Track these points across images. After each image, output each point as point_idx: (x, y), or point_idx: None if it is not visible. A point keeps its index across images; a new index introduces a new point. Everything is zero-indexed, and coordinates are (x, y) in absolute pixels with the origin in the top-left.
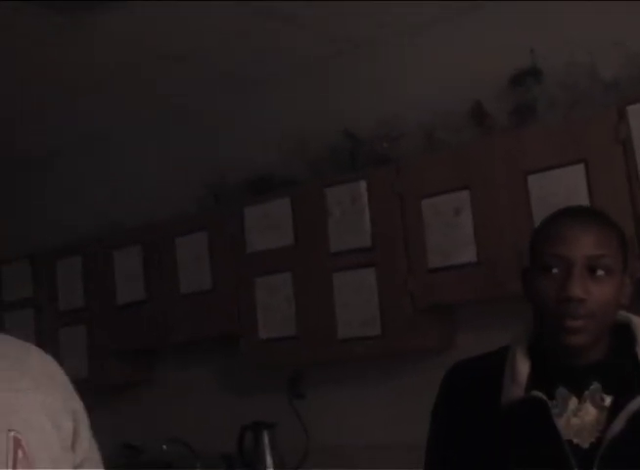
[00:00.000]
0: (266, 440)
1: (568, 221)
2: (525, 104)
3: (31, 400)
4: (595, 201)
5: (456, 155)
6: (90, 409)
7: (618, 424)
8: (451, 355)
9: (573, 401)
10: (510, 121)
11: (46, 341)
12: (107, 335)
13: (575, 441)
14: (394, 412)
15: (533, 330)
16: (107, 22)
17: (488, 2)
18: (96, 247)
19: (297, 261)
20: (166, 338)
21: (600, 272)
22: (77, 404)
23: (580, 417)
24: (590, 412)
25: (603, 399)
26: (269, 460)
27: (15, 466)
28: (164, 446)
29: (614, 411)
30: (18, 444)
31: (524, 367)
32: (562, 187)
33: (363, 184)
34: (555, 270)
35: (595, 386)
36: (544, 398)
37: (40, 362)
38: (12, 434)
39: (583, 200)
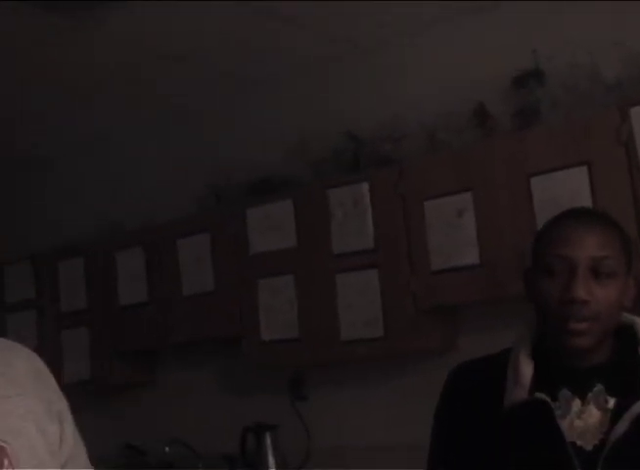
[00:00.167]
0: (268, 441)
1: (571, 223)
2: (528, 105)
3: (16, 407)
4: (598, 203)
5: (459, 156)
6: (92, 410)
7: (622, 426)
8: (453, 357)
9: (577, 403)
10: (512, 123)
11: (48, 342)
12: (109, 336)
13: (579, 443)
14: (397, 414)
15: (536, 332)
16: (107, 22)
17: (490, 3)
18: (98, 248)
19: (300, 263)
20: (168, 339)
21: (603, 274)
22: (62, 404)
23: (584, 419)
24: (594, 414)
25: (606, 401)
26: (271, 461)
27: None
28: (166, 448)
29: (617, 413)
30: (3, 452)
31: (527, 369)
32: (565, 189)
33: (365, 185)
34: (558, 272)
35: (598, 388)
36: (548, 399)
37: (25, 364)
38: None
39: (586, 202)
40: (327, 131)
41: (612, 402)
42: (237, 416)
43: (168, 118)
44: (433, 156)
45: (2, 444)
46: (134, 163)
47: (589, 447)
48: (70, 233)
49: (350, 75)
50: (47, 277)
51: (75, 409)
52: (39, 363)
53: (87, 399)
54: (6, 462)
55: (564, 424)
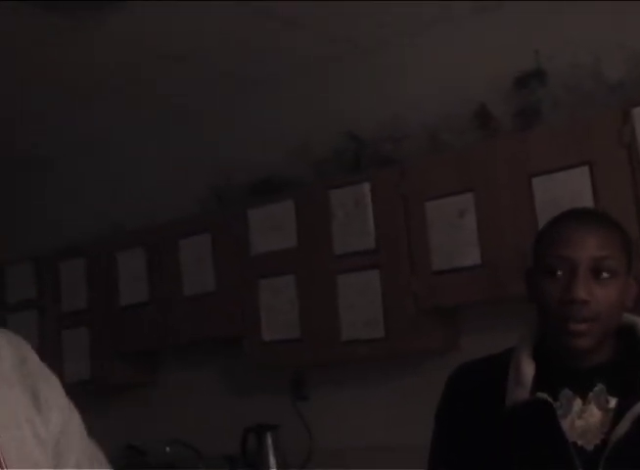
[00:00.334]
0: (269, 441)
1: (572, 223)
2: (530, 106)
3: (3, 400)
4: (600, 203)
5: (460, 157)
6: (92, 411)
7: (624, 426)
8: (455, 357)
9: (578, 403)
10: (514, 124)
11: (48, 342)
12: (109, 336)
13: (580, 443)
14: (398, 414)
15: (537, 332)
16: (107, 22)
17: (492, 3)
18: (99, 249)
19: (301, 263)
20: (169, 339)
21: (604, 274)
22: (46, 389)
23: (585, 419)
24: (595, 414)
25: (608, 401)
26: (272, 461)
27: None
28: (167, 448)
29: (619, 413)
30: None
31: (528, 369)
32: (566, 190)
33: (367, 186)
34: (559, 272)
35: (599, 387)
36: (549, 399)
37: (10, 353)
38: None
39: (588, 202)
40: (328, 131)
41: (613, 402)
42: (238, 416)
43: (168, 119)
44: (434, 156)
45: None
46: (135, 163)
47: (590, 447)
48: (71, 233)
49: (351, 76)
50: (48, 277)
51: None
52: (25, 350)
53: (87, 400)
54: None
55: (565, 424)
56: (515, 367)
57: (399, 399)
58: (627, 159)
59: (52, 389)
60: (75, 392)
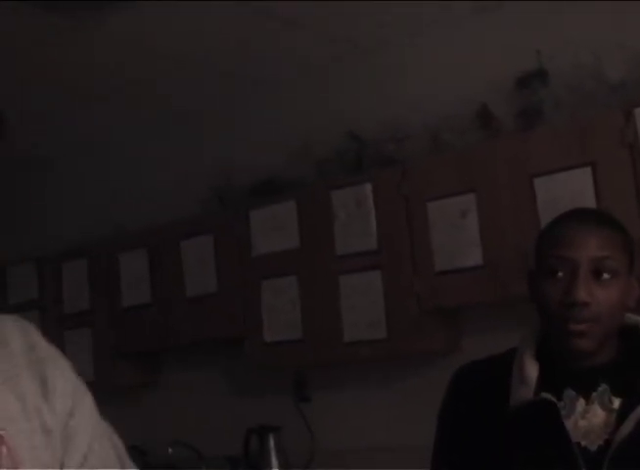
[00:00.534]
0: (272, 442)
1: (573, 224)
2: (531, 106)
3: (12, 390)
4: (602, 203)
5: (462, 157)
6: None
7: (628, 426)
8: (457, 358)
9: (581, 403)
10: (516, 124)
11: (50, 343)
12: (112, 337)
13: (583, 443)
14: (400, 415)
15: (540, 332)
16: (107, 22)
17: (493, 3)
18: (101, 250)
19: (303, 264)
20: (171, 340)
21: (605, 275)
22: (55, 375)
23: (588, 419)
24: (598, 414)
25: (611, 402)
26: (274, 462)
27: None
28: (169, 449)
29: (623, 414)
30: (1, 440)
31: (532, 369)
32: (568, 190)
33: (368, 186)
34: (560, 274)
35: (603, 388)
36: (554, 399)
37: (20, 340)
38: None
39: (590, 203)
40: (329, 132)
41: (617, 403)
42: (239, 417)
43: (168, 119)
44: (436, 156)
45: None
46: (135, 163)
47: (594, 448)
48: (73, 234)
49: (351, 76)
50: (50, 278)
51: None
52: (34, 336)
53: None
54: (4, 450)
55: (568, 424)
56: (518, 367)
57: (401, 400)
58: (629, 159)
59: (61, 374)
60: None
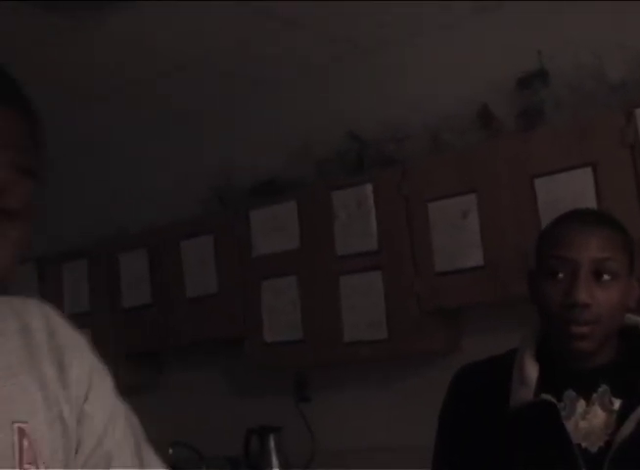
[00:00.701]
0: (272, 443)
1: (573, 225)
2: (532, 106)
3: (32, 381)
4: (603, 204)
5: (463, 157)
6: None
7: (628, 427)
8: (457, 359)
9: (581, 404)
10: (517, 124)
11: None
12: (112, 338)
13: (584, 444)
14: (400, 415)
15: (540, 333)
16: (107, 22)
17: (493, 3)
18: (102, 250)
19: (303, 265)
20: (171, 341)
21: (606, 277)
22: (73, 361)
23: (588, 420)
24: (599, 415)
25: (612, 403)
26: (275, 463)
27: (21, 458)
28: (170, 449)
29: (623, 414)
30: (23, 433)
31: (533, 370)
32: (569, 190)
33: (369, 187)
34: (560, 274)
35: (603, 388)
36: (554, 400)
37: (42, 324)
38: (16, 425)
39: (591, 203)
40: (329, 132)
41: (617, 404)
42: (239, 418)
43: (168, 119)
44: (436, 156)
45: (21, 425)
46: (135, 163)
47: (594, 449)
48: (73, 234)
49: (351, 76)
50: (50, 279)
51: None
52: (54, 321)
53: None
54: (26, 443)
55: (569, 425)
56: (519, 368)
57: (402, 401)
58: (630, 159)
59: (78, 360)
60: None
